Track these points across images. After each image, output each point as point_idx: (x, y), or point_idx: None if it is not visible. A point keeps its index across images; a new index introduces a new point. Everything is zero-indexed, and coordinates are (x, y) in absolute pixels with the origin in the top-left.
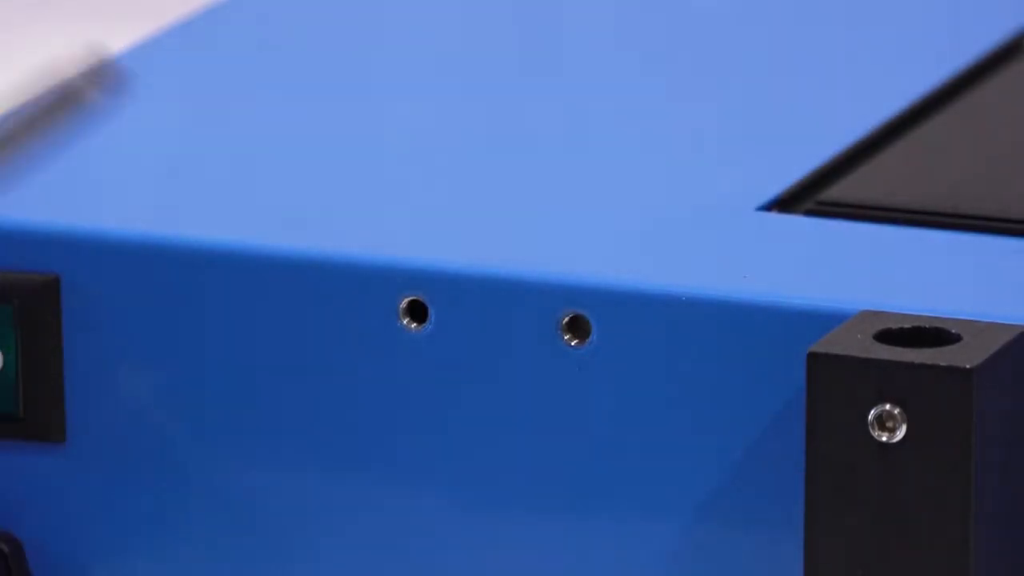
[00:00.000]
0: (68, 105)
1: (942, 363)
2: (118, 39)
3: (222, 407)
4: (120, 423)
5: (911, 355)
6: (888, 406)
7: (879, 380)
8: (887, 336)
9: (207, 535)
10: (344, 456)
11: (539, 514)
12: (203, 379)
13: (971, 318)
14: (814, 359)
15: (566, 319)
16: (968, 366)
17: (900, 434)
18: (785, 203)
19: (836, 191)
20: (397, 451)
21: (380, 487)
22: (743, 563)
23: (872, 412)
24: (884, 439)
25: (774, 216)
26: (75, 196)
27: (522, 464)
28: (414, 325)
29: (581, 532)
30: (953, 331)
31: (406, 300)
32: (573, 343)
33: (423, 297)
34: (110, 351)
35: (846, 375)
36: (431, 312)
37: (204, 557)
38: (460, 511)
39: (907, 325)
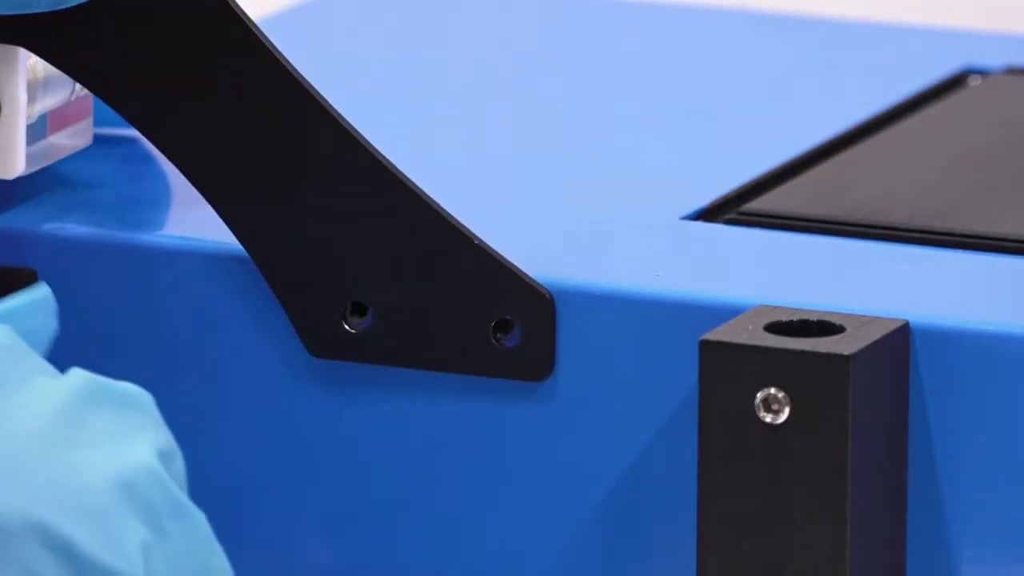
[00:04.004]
0: None
1: (822, 350)
2: None
3: (174, 389)
4: None
5: (795, 343)
6: (773, 390)
7: (765, 366)
8: (776, 327)
9: None
10: (293, 436)
11: (465, 497)
12: (161, 363)
13: (858, 314)
14: (706, 346)
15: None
16: (846, 353)
17: (784, 416)
18: (709, 213)
19: (758, 203)
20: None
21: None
22: (658, 543)
23: (758, 395)
24: (769, 420)
25: (696, 225)
26: (51, 198)
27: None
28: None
29: (496, 516)
30: (837, 323)
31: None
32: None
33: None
34: (79, 337)
35: (734, 361)
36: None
37: None
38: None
39: (795, 318)
